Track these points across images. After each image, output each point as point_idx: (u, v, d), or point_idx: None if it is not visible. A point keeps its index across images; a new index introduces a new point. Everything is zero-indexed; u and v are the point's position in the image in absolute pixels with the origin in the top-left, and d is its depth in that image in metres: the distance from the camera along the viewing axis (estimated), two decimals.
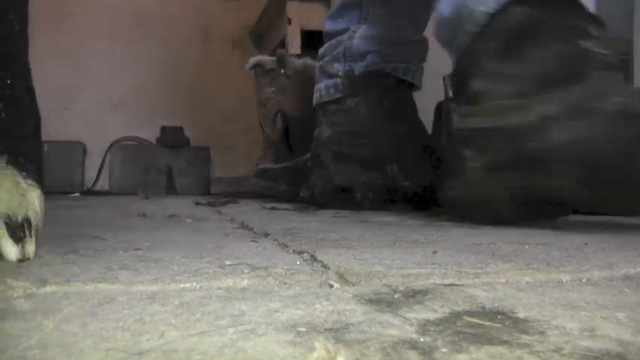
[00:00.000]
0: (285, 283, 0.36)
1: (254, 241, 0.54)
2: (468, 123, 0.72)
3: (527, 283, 0.36)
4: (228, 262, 0.40)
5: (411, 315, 0.27)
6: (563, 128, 0.62)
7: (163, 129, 2.01)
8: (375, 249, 0.48)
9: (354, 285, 0.35)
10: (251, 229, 0.66)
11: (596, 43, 0.67)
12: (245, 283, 0.35)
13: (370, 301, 0.30)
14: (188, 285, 0.34)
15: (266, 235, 0.60)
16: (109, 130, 2.01)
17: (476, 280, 0.36)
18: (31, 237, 0.41)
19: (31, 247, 0.41)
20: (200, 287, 0.34)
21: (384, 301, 0.30)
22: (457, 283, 0.35)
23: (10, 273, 0.36)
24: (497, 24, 0.71)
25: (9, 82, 0.47)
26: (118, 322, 0.26)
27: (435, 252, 0.47)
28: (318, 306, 0.29)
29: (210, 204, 1.14)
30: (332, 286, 0.36)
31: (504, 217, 0.69)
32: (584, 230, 0.65)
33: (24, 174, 0.45)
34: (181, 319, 0.26)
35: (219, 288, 0.34)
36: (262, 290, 0.33)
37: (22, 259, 0.40)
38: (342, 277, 0.37)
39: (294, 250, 0.48)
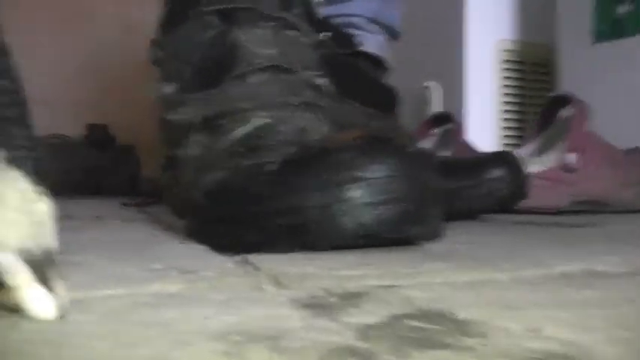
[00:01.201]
0: (215, 287, 0.34)
1: (182, 243, 0.52)
2: None
3: (464, 282, 0.35)
4: (156, 266, 0.39)
5: (349, 319, 0.26)
6: None
7: (89, 127, 1.95)
8: (306, 252, 0.47)
9: (288, 288, 0.34)
10: (179, 231, 0.64)
11: None
12: (174, 288, 0.34)
13: (306, 306, 0.29)
14: (114, 291, 0.32)
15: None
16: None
17: (412, 280, 0.36)
18: (58, 277, 0.29)
19: (62, 292, 0.28)
20: (127, 294, 0.32)
21: (320, 306, 0.29)
22: (393, 284, 0.34)
23: None
24: None
25: None
26: (38, 333, 0.24)
27: (366, 253, 0.46)
28: (251, 311, 0.28)
29: (136, 204, 1.11)
30: (265, 290, 0.35)
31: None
32: (509, 229, 0.66)
33: (26, 174, 0.33)
34: (107, 329, 0.25)
35: (147, 294, 0.32)
36: (193, 296, 0.32)
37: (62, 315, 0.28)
38: (275, 280, 0.36)
39: (229, 255, 0.46)
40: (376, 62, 0.83)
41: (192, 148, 0.57)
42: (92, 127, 1.95)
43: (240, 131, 0.53)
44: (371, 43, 0.82)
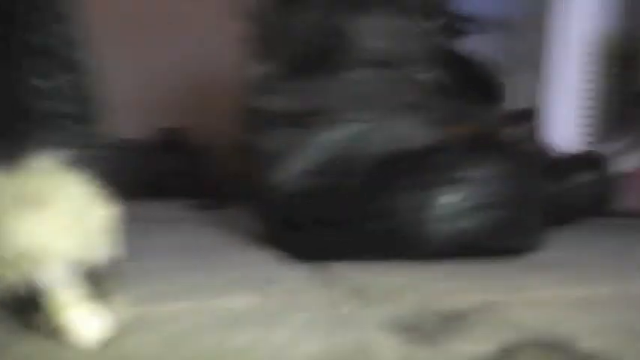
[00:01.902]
0: (292, 303, 0.30)
1: (258, 249, 0.49)
2: None
3: (578, 299, 0.30)
4: (228, 276, 0.35)
5: (454, 348, 0.22)
6: None
7: (162, 131, 1.96)
8: (389, 262, 0.43)
9: (375, 305, 0.30)
10: (253, 236, 0.61)
11: None
12: (247, 302, 0.30)
13: (400, 329, 0.25)
14: (182, 305, 0.29)
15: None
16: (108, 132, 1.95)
17: (517, 296, 0.31)
18: (114, 293, 0.25)
19: (118, 311, 0.25)
20: (195, 309, 0.29)
21: (417, 329, 0.25)
22: (496, 301, 0.30)
23: None
24: None
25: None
26: (92, 357, 0.21)
27: (457, 263, 0.41)
28: (336, 337, 0.24)
29: (205, 207, 1.09)
30: (349, 307, 0.30)
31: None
32: (611, 234, 0.59)
33: (82, 175, 0.28)
34: (170, 356, 0.21)
35: (217, 310, 0.28)
36: (267, 313, 0.28)
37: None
38: (359, 294, 0.32)
39: (304, 262, 0.43)
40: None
41: (274, 142, 0.53)
42: (165, 131, 1.96)
43: (331, 135, 0.49)
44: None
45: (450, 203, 0.39)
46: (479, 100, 0.60)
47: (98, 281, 0.25)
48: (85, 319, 0.23)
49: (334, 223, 0.42)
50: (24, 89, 0.30)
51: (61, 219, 0.25)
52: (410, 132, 0.49)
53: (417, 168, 0.41)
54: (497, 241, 0.40)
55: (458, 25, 0.67)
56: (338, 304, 0.30)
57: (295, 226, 0.46)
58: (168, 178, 1.83)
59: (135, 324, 0.24)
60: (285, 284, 0.33)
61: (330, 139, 0.49)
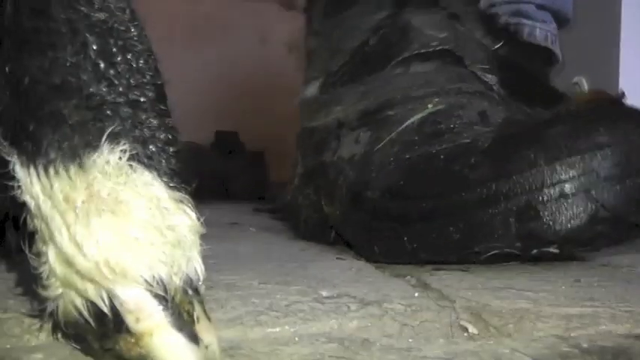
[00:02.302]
0: (407, 325, 0.26)
1: (340, 258, 0.44)
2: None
3: None
4: (324, 293, 0.31)
5: None
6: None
7: (218, 134, 1.94)
8: (493, 271, 0.38)
9: (502, 333, 0.25)
10: (327, 241, 0.56)
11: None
12: (355, 324, 0.26)
13: None
14: (278, 329, 0.25)
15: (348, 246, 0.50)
16: None
17: None
18: (205, 315, 0.21)
19: (209, 337, 0.20)
20: (295, 333, 0.24)
21: None
22: None
23: None
24: None
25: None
26: None
27: (577, 280, 0.37)
28: None
29: (269, 211, 1.05)
30: (470, 332, 0.26)
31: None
32: None
33: (160, 176, 0.24)
34: None
35: (321, 334, 0.24)
36: (384, 342, 0.24)
37: None
38: (478, 318, 0.28)
39: (397, 274, 0.38)
40: (545, 55, 0.72)
41: (346, 149, 0.50)
42: (222, 134, 1.94)
43: (414, 119, 0.45)
44: (540, 33, 0.71)
45: (592, 172, 0.34)
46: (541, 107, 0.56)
47: (188, 300, 0.21)
48: (174, 346, 0.19)
49: (451, 211, 0.38)
50: (88, 73, 0.26)
51: (142, 228, 0.21)
52: (490, 110, 0.45)
53: (548, 138, 0.36)
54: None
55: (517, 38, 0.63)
56: (458, 330, 0.26)
57: (389, 222, 0.41)
58: (230, 180, 1.81)
59: (233, 350, 0.20)
60: (395, 304, 0.29)
61: (415, 122, 0.45)
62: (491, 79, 0.53)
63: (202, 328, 0.20)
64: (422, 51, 0.47)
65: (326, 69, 0.56)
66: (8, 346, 0.23)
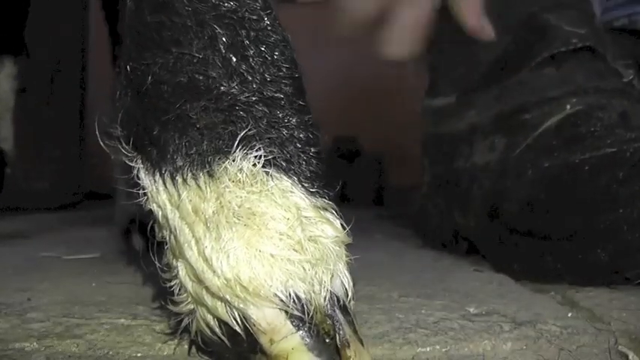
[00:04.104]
0: (564, 350, 0.24)
1: (478, 270, 0.43)
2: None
3: None
4: (472, 310, 0.30)
5: None
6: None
7: (337, 139, 1.95)
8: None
9: None
10: (460, 252, 0.54)
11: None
12: (509, 347, 0.24)
13: None
14: (429, 349, 0.24)
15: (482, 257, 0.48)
16: None
17: None
18: (355, 337, 0.20)
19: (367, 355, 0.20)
20: (447, 354, 0.23)
21: None
22: None
23: None
24: None
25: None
26: None
27: None
28: None
29: (393, 217, 1.04)
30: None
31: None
32: None
33: (300, 181, 0.22)
34: None
35: (475, 356, 0.23)
36: None
37: None
38: (639, 345, 0.25)
39: (539, 289, 0.36)
40: None
41: (480, 156, 0.48)
42: (341, 139, 1.95)
43: (551, 122, 0.42)
44: None
45: None
46: None
47: (333, 319, 0.20)
48: None
49: (581, 233, 0.36)
50: (217, 70, 0.23)
51: (278, 242, 0.20)
52: (632, 111, 0.42)
53: None
54: None
55: None
56: (621, 357, 0.24)
57: (534, 236, 0.39)
58: (348, 185, 1.81)
59: None
60: (549, 326, 0.27)
61: (552, 125, 0.43)
62: (631, 74, 0.50)
63: (352, 353, 0.19)
64: (562, 49, 0.44)
65: (458, 83, 0.54)
66: (139, 354, 0.23)
